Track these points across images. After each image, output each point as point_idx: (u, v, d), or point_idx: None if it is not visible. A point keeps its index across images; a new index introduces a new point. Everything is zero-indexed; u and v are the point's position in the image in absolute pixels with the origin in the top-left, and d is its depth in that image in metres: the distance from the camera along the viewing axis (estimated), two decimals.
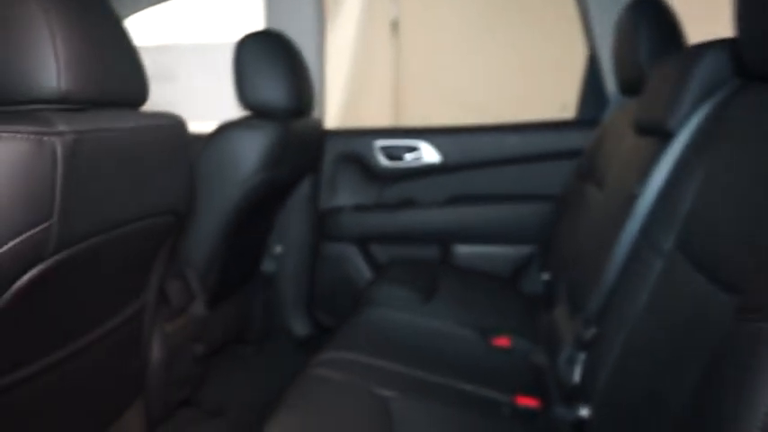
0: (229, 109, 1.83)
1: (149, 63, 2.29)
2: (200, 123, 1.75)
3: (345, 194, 2.11)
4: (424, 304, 1.56)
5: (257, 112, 1.58)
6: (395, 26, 3.22)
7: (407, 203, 2.06)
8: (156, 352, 1.25)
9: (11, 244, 0.67)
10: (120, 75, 0.86)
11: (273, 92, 1.55)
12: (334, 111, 2.49)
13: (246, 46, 1.56)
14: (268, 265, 2.06)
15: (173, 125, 0.97)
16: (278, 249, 2.05)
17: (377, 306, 1.53)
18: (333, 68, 2.26)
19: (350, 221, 2.07)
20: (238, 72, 1.55)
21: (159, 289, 1.26)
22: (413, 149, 2.04)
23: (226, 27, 1.92)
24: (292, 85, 1.58)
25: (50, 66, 0.73)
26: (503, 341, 1.39)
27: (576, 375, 1.04)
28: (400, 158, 2.05)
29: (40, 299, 0.77)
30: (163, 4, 2.06)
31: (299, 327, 2.10)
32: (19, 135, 0.66)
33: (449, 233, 2.02)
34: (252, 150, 1.48)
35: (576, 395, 1.01)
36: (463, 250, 2.01)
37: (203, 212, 1.51)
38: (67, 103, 0.76)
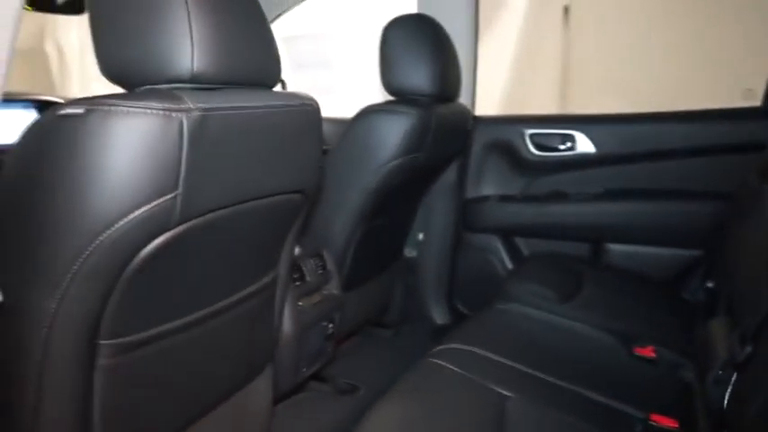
0: (380, 94, 1.85)
1: (308, 51, 2.40)
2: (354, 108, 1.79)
3: (492, 183, 2.05)
4: (562, 303, 1.46)
5: (400, 97, 1.58)
6: (567, 11, 3.06)
7: (558, 196, 1.95)
8: (287, 325, 1.31)
9: (138, 212, 0.72)
10: (254, 57, 0.90)
11: (417, 76, 1.54)
12: (494, 97, 2.43)
13: (392, 29, 1.56)
14: (410, 251, 2.07)
15: (304, 106, 0.99)
16: (420, 236, 2.05)
17: (510, 301, 1.46)
18: (496, 54, 2.20)
19: (495, 212, 2.00)
20: (383, 56, 1.56)
21: (293, 265, 1.32)
22: (566, 139, 1.92)
23: (381, 15, 1.96)
24: (437, 70, 1.56)
25: (185, 47, 0.78)
26: (647, 351, 1.25)
27: (726, 399, 0.90)
28: (552, 148, 1.94)
29: (169, 265, 0.83)
30: None
31: (438, 315, 2.09)
32: (149, 111, 0.72)
33: (601, 230, 1.87)
34: (391, 135, 1.48)
35: (721, 422, 0.88)
36: (616, 249, 1.86)
37: (343, 194, 1.55)
38: (200, 83, 0.81)
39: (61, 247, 0.73)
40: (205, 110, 0.76)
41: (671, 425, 0.99)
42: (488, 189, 2.04)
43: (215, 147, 0.79)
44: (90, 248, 0.72)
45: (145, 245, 0.77)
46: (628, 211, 1.85)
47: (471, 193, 2.05)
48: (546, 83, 3.02)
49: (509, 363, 1.17)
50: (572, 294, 1.51)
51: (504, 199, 2.00)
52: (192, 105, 0.75)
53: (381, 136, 1.49)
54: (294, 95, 0.99)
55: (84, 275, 0.74)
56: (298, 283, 1.37)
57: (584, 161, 1.90)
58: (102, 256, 0.73)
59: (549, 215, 1.93)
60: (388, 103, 1.56)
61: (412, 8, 1.96)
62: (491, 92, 2.09)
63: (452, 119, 1.74)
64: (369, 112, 1.52)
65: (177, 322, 0.92)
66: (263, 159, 0.92)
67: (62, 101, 1.11)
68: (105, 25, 0.80)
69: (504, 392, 1.05)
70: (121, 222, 0.72)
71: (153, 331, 0.89)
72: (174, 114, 0.73)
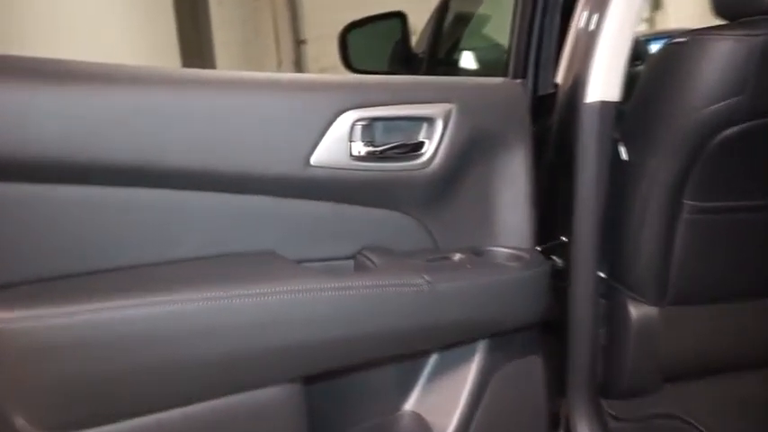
0: None
1: None
2: None
3: None
4: None
5: None
6: None
7: None
8: None
9: (710, 108, 1.04)
10: None
11: None
12: None
13: None
14: None
15: None
16: None
17: None
18: None
19: None
20: None
21: None
22: None
23: None
24: None
25: None
26: None
27: None
28: None
29: (738, 154, 1.10)
30: None
31: None
32: (726, 37, 1.01)
33: None
34: None
35: None
36: None
37: None
38: None
39: (674, 125, 1.12)
40: None
41: None
42: None
43: None
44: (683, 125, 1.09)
45: (714, 134, 1.07)
46: None
47: None
48: None
49: None
50: None
51: None
52: (761, 32, 0.99)
53: None
54: None
55: (677, 145, 1.11)
56: None
57: None
58: (688, 134, 1.09)
59: None
60: None
61: None
62: None
63: None
64: None
65: (751, 203, 1.18)
66: None
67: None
68: None
69: None
70: (699, 113, 1.06)
71: (729, 204, 1.18)
72: (744, 38, 1.00)
